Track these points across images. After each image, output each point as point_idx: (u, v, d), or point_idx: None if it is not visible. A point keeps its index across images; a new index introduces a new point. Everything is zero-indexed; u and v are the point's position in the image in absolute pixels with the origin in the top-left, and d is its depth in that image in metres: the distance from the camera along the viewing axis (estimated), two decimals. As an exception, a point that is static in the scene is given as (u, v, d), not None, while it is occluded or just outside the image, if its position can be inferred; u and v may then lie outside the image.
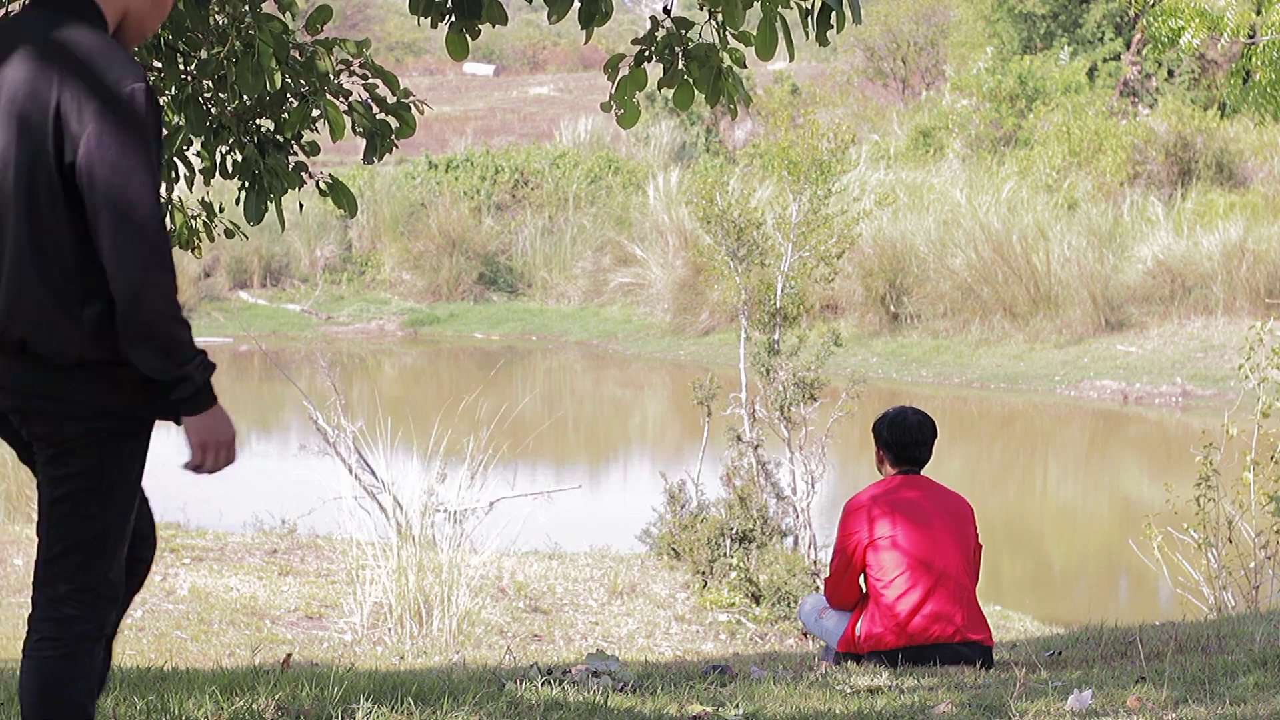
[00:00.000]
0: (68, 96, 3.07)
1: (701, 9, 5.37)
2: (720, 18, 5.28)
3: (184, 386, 3.22)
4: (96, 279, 3.12)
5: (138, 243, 3.08)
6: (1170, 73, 32.74)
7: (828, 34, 5.05)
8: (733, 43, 5.37)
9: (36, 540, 3.35)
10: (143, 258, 3.09)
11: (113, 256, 3.08)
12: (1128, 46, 33.78)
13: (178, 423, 3.29)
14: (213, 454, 3.30)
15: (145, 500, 3.55)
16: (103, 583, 3.31)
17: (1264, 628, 6.36)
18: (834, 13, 5.02)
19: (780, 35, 5.16)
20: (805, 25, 5.13)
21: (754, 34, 5.25)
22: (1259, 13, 12.01)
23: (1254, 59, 12.25)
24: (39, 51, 3.11)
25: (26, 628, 3.31)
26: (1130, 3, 13.44)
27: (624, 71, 5.35)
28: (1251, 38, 12.25)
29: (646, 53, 5.37)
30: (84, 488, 3.24)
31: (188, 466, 3.31)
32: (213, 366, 3.27)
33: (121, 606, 3.40)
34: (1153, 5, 12.65)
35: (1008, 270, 24.69)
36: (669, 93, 5.57)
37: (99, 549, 3.29)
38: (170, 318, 3.14)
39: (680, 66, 5.37)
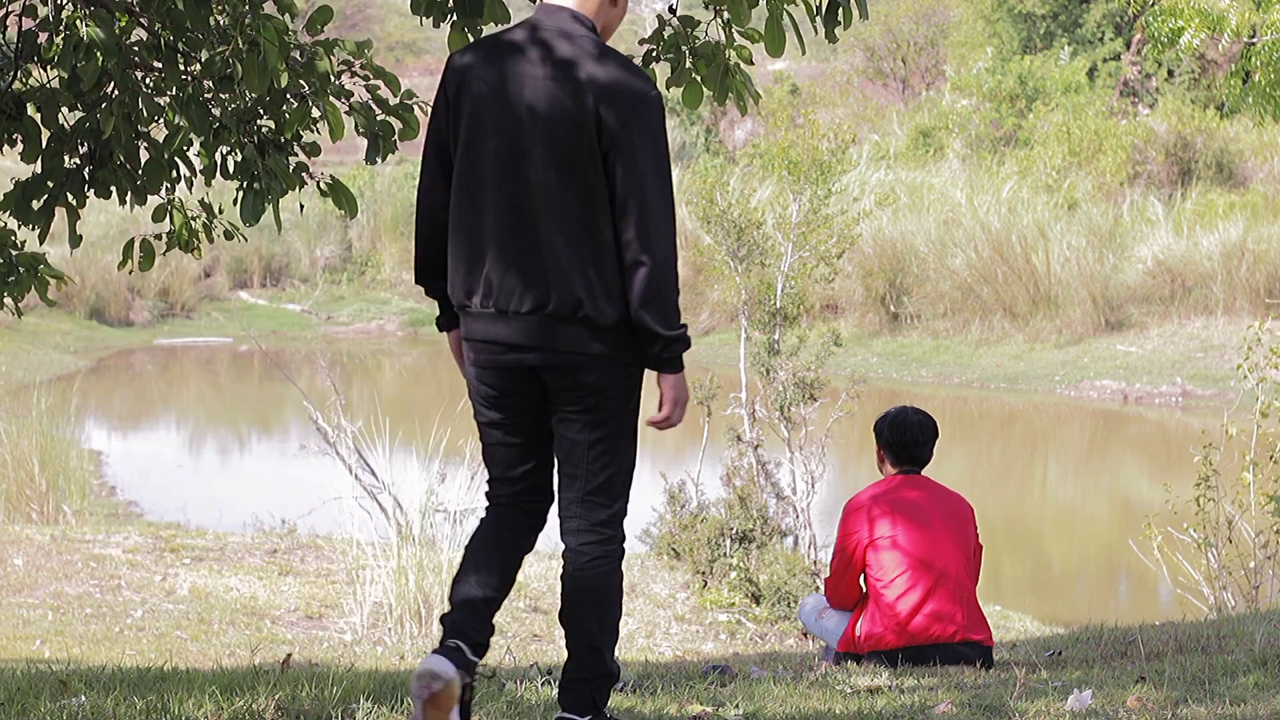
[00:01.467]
0: (604, 104, 3.71)
1: (707, 7, 5.36)
2: (726, 15, 5.28)
3: (675, 346, 3.79)
4: (620, 253, 3.74)
5: (664, 222, 3.74)
6: (1170, 73, 32.75)
7: (835, 30, 5.05)
8: (739, 40, 5.37)
9: (559, 482, 3.90)
10: (663, 235, 3.74)
11: (640, 234, 3.72)
12: (1128, 46, 33.78)
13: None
14: (680, 409, 3.86)
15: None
16: (626, 504, 3.94)
17: (1264, 628, 6.36)
18: (841, 9, 5.02)
19: (790, 31, 5.16)
20: (812, 21, 5.13)
21: (758, 31, 5.24)
22: (1259, 9, 12.01)
23: (1254, 59, 12.25)
24: (567, 63, 3.74)
25: (564, 559, 3.89)
26: (1129, 2, 13.43)
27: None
28: (1252, 38, 12.25)
29: (654, 52, 5.36)
30: (621, 426, 3.85)
31: (654, 421, 3.85)
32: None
33: None
34: (1152, 5, 12.65)
35: (1008, 270, 24.69)
36: (671, 91, 5.56)
37: (630, 475, 3.93)
38: (674, 287, 3.78)
39: (688, 65, 5.36)
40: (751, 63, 5.42)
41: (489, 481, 4.02)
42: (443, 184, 3.93)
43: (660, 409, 3.85)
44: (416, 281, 4.06)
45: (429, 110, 5.48)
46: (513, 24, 3.91)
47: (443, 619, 3.88)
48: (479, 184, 3.81)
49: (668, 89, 5.50)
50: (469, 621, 3.84)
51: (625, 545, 3.95)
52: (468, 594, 3.87)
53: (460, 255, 3.85)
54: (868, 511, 6.14)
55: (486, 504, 4.04)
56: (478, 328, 3.84)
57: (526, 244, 3.76)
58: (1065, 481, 18.97)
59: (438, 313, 4.09)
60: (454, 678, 3.72)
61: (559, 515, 3.93)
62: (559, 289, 3.74)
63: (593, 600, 3.86)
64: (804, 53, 5.30)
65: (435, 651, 3.78)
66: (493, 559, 3.92)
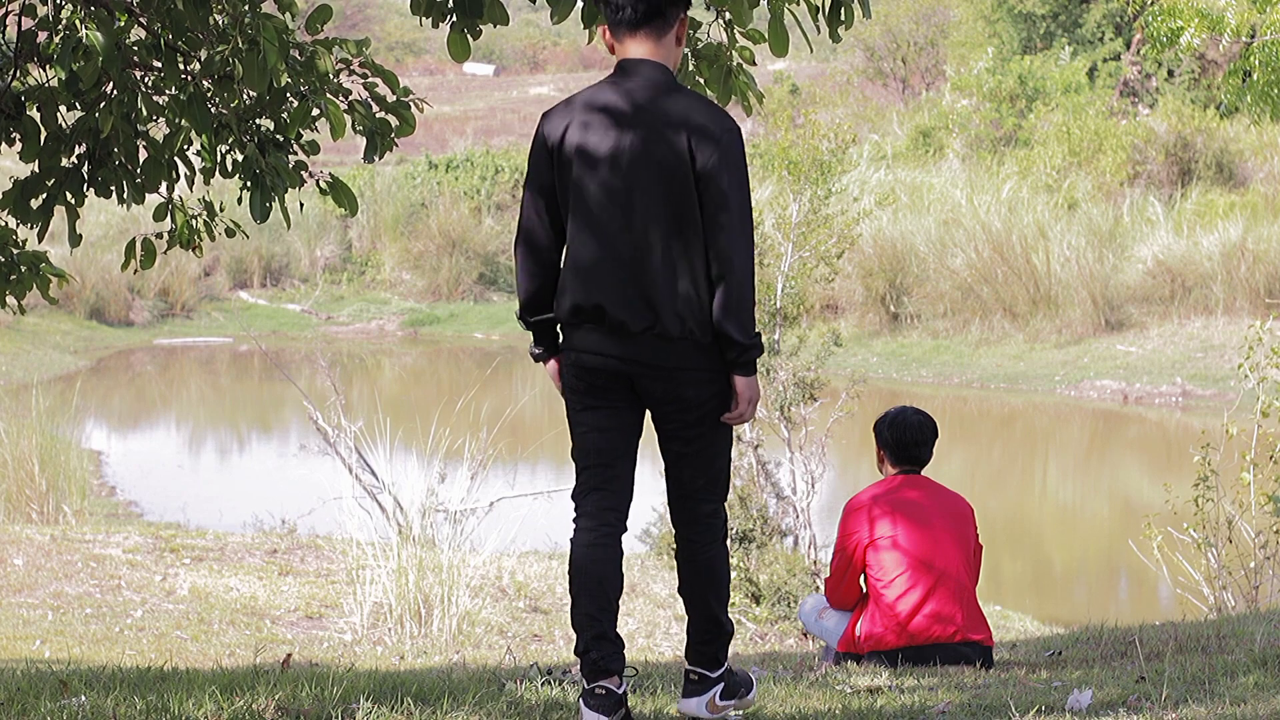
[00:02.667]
0: (696, 140, 4.19)
1: (709, 8, 5.35)
2: (728, 16, 5.27)
3: (750, 352, 4.27)
4: (710, 272, 4.23)
5: (744, 242, 4.21)
6: (1170, 73, 32.75)
7: (839, 29, 5.04)
8: (742, 41, 5.35)
9: (669, 483, 4.42)
10: (743, 254, 4.20)
11: (723, 252, 4.19)
12: (1128, 46, 33.78)
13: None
14: (752, 407, 4.35)
15: None
16: (727, 493, 4.49)
17: (1264, 628, 6.36)
18: (844, 8, 5.01)
19: (796, 30, 5.15)
20: (815, 21, 5.12)
21: (760, 33, 5.24)
22: (1259, 9, 12.00)
23: (1253, 59, 12.25)
24: (661, 108, 4.24)
25: (677, 537, 4.44)
26: (1129, 2, 13.43)
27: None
28: (1251, 37, 12.25)
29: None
30: (718, 430, 4.36)
31: (729, 418, 4.34)
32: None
33: None
34: (1152, 4, 12.64)
35: (1008, 270, 24.69)
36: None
37: (728, 469, 4.48)
38: (752, 301, 4.25)
39: (691, 67, 5.35)
40: (754, 63, 5.41)
41: (579, 477, 4.39)
42: (545, 228, 4.35)
43: (735, 407, 4.33)
44: (521, 316, 4.45)
45: (423, 108, 5.44)
46: (600, 80, 4.37)
47: (581, 656, 4.28)
48: (592, 222, 4.26)
49: None
50: (608, 658, 4.26)
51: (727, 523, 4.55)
52: (595, 629, 4.28)
53: (575, 284, 4.29)
54: (868, 511, 6.14)
55: (575, 516, 4.40)
56: (590, 340, 4.30)
57: (636, 273, 4.23)
58: (1065, 481, 18.97)
59: (532, 342, 4.48)
60: None
61: (671, 509, 4.46)
62: (665, 312, 4.22)
63: (709, 578, 4.42)
64: (812, 51, 5.31)
65: (589, 707, 4.23)
66: (600, 581, 4.32)
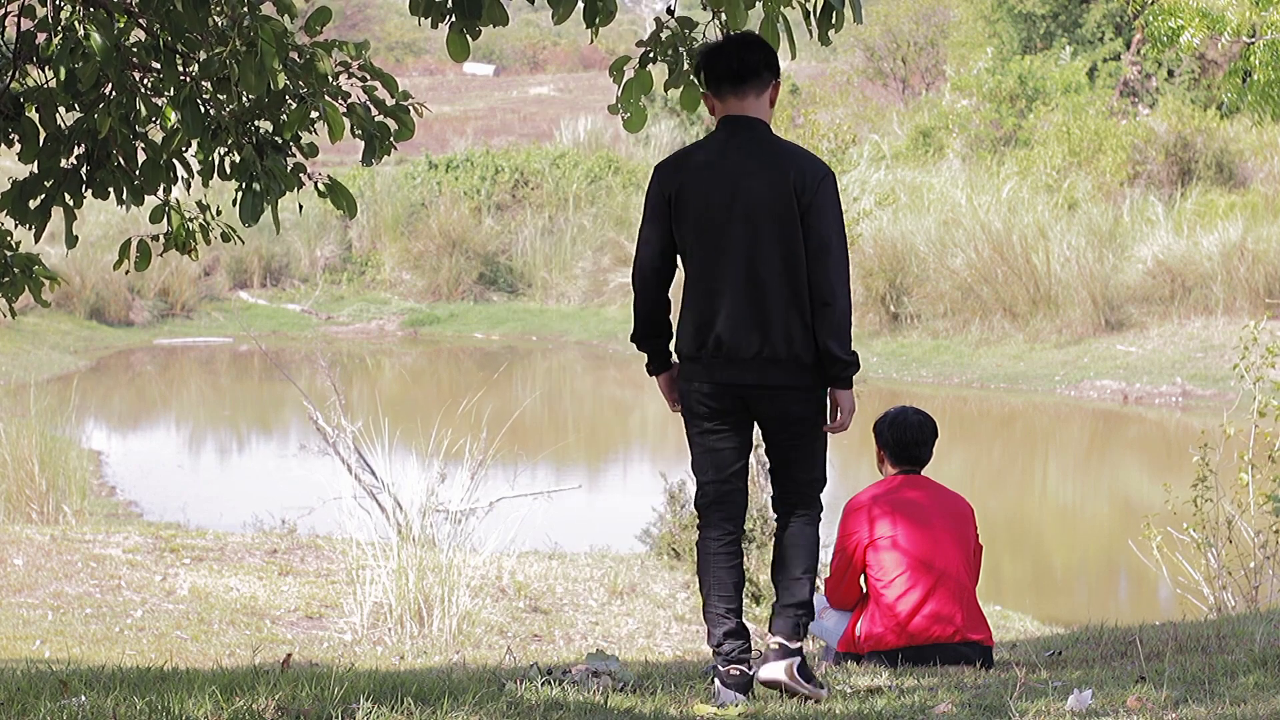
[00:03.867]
0: (800, 184, 4.83)
1: (704, 9, 5.36)
2: (723, 17, 5.27)
3: (850, 369, 4.94)
4: (811, 297, 4.88)
5: (844, 271, 4.88)
6: (1170, 73, 32.74)
7: (829, 33, 5.04)
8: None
9: (776, 479, 5.10)
10: (843, 281, 4.88)
11: (826, 281, 4.84)
12: (1128, 46, 33.78)
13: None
14: (849, 416, 5.02)
15: None
16: (821, 488, 5.15)
17: (1264, 628, 6.36)
18: (835, 12, 5.02)
19: (783, 34, 5.15)
20: (808, 24, 5.12)
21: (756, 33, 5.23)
22: (1259, 9, 11.99)
23: (1253, 58, 12.24)
24: (768, 158, 4.88)
25: (780, 523, 5.12)
26: (1129, 2, 13.42)
27: (629, 74, 5.33)
28: (1251, 37, 12.25)
29: (651, 54, 5.35)
30: (818, 436, 5.04)
31: (831, 427, 5.03)
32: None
33: None
34: (1151, 4, 12.64)
35: (1008, 270, 24.69)
36: (669, 92, 5.56)
37: (824, 470, 5.12)
38: (850, 323, 4.91)
39: (686, 67, 5.35)
40: (749, 63, 5.40)
41: (703, 491, 5.09)
42: (660, 267, 5.01)
43: (837, 418, 5.02)
44: (635, 338, 5.13)
45: (423, 112, 5.49)
46: (709, 135, 5.00)
47: (715, 648, 5.00)
48: (709, 261, 4.90)
49: (666, 90, 5.50)
50: (740, 650, 4.98)
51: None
52: (726, 626, 4.99)
53: (696, 315, 4.95)
54: (868, 511, 6.14)
55: (700, 525, 5.12)
56: (710, 371, 4.94)
57: (750, 305, 4.87)
58: (1065, 481, 18.97)
59: (647, 360, 5.14)
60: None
61: (778, 501, 5.10)
62: (775, 338, 4.87)
63: (807, 555, 5.08)
64: (794, 56, 5.32)
65: (726, 685, 4.94)
66: (728, 584, 5.03)
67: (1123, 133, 28.66)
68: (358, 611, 9.76)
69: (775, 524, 5.15)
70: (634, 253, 5.10)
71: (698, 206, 4.88)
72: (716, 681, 4.95)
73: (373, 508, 11.50)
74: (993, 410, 22.37)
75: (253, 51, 4.89)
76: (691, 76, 5.30)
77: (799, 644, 4.99)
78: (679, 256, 5.01)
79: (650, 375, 5.16)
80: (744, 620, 5.02)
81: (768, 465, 5.11)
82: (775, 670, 4.94)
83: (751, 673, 4.93)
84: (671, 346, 5.13)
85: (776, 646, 4.98)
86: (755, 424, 5.08)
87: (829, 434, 5.07)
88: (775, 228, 4.82)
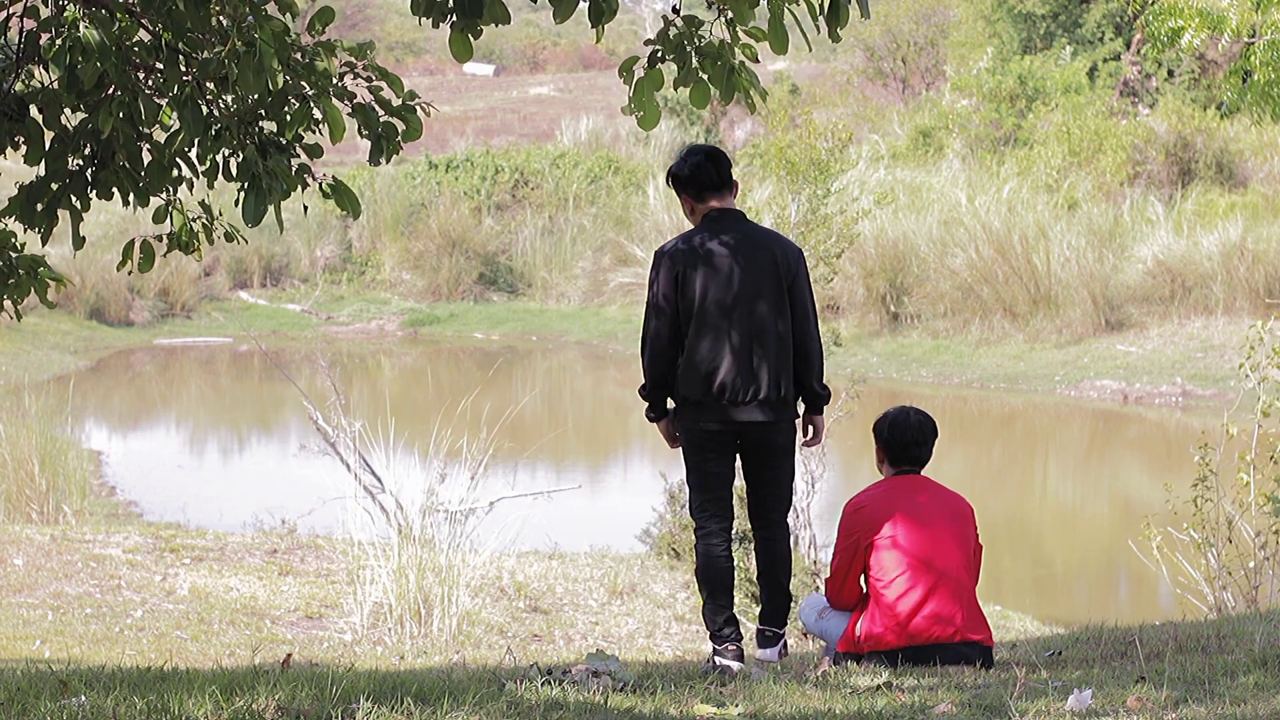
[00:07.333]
0: (784, 258, 6.09)
1: (710, 6, 5.35)
2: (730, 14, 5.27)
3: (825, 399, 6.27)
4: (794, 342, 6.13)
5: (816, 326, 6.20)
6: (1170, 73, 32.74)
7: (837, 29, 5.04)
8: (744, 39, 5.35)
9: (754, 498, 6.32)
10: (819, 335, 6.20)
11: (807, 334, 6.13)
12: (1128, 46, 33.78)
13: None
14: (822, 434, 6.41)
15: None
16: (790, 508, 6.38)
17: (1264, 628, 6.36)
18: (841, 7, 5.01)
19: (795, 30, 5.15)
20: (814, 20, 5.11)
21: (761, 30, 5.23)
22: (1259, 9, 11.98)
23: (1254, 59, 12.23)
24: (756, 239, 6.13)
25: (759, 536, 6.31)
26: (1129, 2, 13.42)
27: (639, 73, 5.32)
28: (1251, 37, 12.24)
29: (660, 53, 5.35)
30: (791, 462, 6.29)
31: (808, 443, 6.36)
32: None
33: None
34: (1152, 4, 12.64)
35: (1008, 270, 24.69)
36: (670, 91, 5.59)
37: (791, 494, 6.37)
38: (824, 365, 6.24)
39: (694, 65, 5.34)
40: (757, 60, 5.40)
41: (703, 505, 6.21)
42: (671, 333, 6.07)
43: (815, 439, 6.35)
44: (647, 395, 6.20)
45: (429, 112, 5.49)
46: (700, 226, 6.15)
47: (715, 633, 6.11)
48: (713, 325, 6.02)
49: (674, 89, 5.50)
50: (736, 635, 6.08)
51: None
52: (725, 615, 6.13)
53: (701, 368, 6.04)
54: (868, 511, 6.14)
55: (699, 531, 6.23)
56: (713, 413, 6.07)
57: (746, 359, 6.03)
58: (1065, 481, 18.98)
59: (648, 408, 6.24)
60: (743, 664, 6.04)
61: (755, 518, 6.31)
62: (769, 384, 6.03)
63: (784, 565, 6.26)
64: (811, 50, 5.32)
65: (725, 657, 6.01)
66: (725, 580, 6.19)
67: (1123, 133, 28.66)
68: (358, 611, 9.76)
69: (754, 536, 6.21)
70: (643, 328, 6.16)
71: (703, 282, 6.03)
72: (717, 658, 6.01)
73: (373, 508, 11.50)
74: (993, 410, 22.37)
75: (251, 51, 4.89)
76: (668, 186, 6.41)
77: (783, 629, 6.24)
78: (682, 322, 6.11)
79: (650, 421, 6.28)
80: (734, 612, 6.17)
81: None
82: (771, 655, 6.16)
83: (740, 648, 6.06)
84: (669, 395, 6.19)
85: (770, 635, 6.19)
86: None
87: (804, 449, 6.24)
88: (769, 297, 6.04)
